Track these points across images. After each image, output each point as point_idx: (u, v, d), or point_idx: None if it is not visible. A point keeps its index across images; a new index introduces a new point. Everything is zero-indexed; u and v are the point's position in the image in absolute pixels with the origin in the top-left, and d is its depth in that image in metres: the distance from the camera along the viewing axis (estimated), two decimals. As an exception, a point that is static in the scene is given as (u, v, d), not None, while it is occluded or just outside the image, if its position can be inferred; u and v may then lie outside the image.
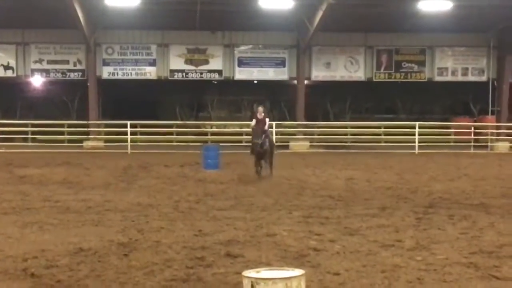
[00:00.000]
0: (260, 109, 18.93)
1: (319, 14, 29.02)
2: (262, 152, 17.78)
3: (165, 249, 10.81)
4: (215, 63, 34.14)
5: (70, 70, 33.55)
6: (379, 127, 34.70)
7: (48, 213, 14.20)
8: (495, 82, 35.07)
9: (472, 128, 34.81)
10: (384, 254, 10.68)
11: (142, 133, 32.88)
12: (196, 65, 33.88)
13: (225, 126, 36.52)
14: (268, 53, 34.58)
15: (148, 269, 9.59)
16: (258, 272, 6.36)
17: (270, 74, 34.60)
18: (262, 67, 34.60)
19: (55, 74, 33.76)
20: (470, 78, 35.57)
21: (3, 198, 16.42)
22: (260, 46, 34.64)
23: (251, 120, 19.75)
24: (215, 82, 36.17)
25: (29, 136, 32.91)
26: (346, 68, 34.89)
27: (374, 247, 11.33)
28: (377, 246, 11.21)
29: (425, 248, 11.05)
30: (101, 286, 8.86)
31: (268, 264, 7.64)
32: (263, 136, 17.87)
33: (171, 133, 33.10)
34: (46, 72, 33.74)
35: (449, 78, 35.60)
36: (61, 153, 29.56)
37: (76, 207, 15.02)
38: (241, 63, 34.31)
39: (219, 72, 34.41)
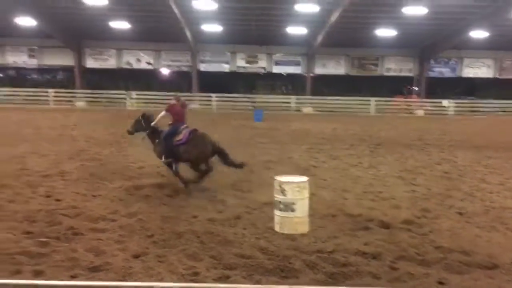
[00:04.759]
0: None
1: (320, 37, 31.42)
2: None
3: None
4: (262, 63, 36.32)
5: (182, 66, 36.18)
6: (351, 100, 35.03)
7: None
8: (417, 76, 36.74)
9: (403, 102, 35.77)
10: (352, 170, 11.51)
11: (221, 100, 34.18)
12: (251, 64, 36.29)
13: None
14: (291, 58, 36.34)
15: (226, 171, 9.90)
16: (283, 177, 6.73)
17: (291, 69, 36.78)
18: (287, 65, 36.54)
19: (174, 68, 36.81)
20: (403, 74, 36.96)
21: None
22: (287, 54, 36.28)
23: None
24: (262, 74, 37.76)
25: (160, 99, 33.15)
26: (334, 67, 36.62)
27: (346, 166, 11.97)
28: (348, 165, 12.06)
29: (374, 167, 11.80)
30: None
31: (288, 173, 7.58)
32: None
33: (237, 101, 34.38)
34: (170, 66, 36.73)
35: (391, 73, 36.88)
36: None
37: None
38: (276, 63, 36.42)
39: (264, 68, 36.52)
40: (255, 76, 38.49)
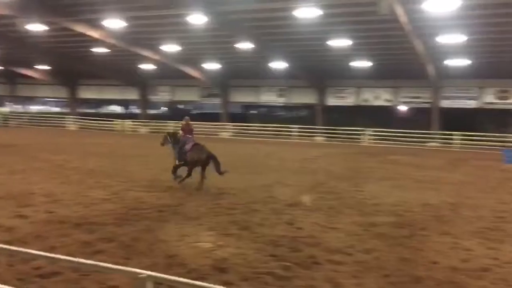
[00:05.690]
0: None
1: None
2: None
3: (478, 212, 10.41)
4: (515, 99, 32.59)
5: (421, 102, 34.90)
6: None
7: (404, 180, 14.77)
8: None
9: None
10: None
11: (464, 139, 30.89)
12: (503, 99, 32.89)
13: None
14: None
15: (468, 221, 9.47)
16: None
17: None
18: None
19: (413, 104, 35.84)
20: None
21: (378, 171, 17.04)
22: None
23: None
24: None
25: (396, 137, 31.61)
26: None
27: None
28: None
29: None
30: (441, 226, 9.10)
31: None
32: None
33: (483, 140, 30.40)
34: (408, 103, 35.93)
35: None
36: (406, 147, 29.17)
37: (418, 178, 15.49)
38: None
39: (520, 104, 32.54)
40: (507, 113, 34.67)
